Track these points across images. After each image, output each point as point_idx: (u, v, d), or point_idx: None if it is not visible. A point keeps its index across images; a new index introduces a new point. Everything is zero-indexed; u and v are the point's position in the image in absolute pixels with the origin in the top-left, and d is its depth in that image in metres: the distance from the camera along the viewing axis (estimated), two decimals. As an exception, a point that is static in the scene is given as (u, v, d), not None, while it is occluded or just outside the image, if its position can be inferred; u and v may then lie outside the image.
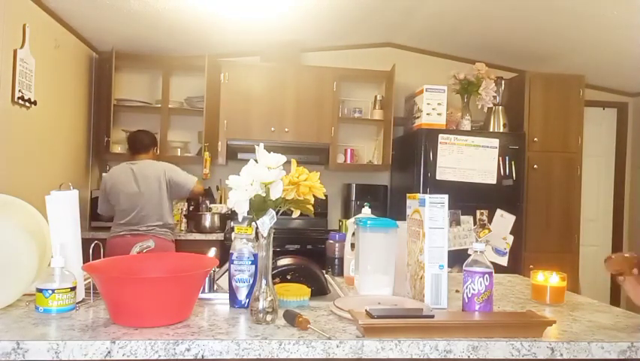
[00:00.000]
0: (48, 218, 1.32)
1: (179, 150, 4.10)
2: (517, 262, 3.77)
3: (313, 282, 1.55)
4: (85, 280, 1.43)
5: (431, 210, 1.43)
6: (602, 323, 1.33)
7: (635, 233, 4.71)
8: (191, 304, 1.24)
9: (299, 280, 1.54)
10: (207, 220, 3.76)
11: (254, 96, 3.95)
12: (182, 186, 3.20)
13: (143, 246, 1.58)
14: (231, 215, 3.88)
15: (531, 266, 3.52)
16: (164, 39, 3.86)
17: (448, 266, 1.45)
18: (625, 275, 1.39)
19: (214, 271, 1.55)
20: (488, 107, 3.94)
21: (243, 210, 1.22)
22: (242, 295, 1.34)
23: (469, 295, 1.32)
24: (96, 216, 3.75)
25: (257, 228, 1.23)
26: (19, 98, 2.80)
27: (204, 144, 3.94)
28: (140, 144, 3.31)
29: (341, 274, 1.92)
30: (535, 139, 3.93)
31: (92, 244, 1.47)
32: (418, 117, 3.84)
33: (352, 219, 1.78)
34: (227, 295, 1.38)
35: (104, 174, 3.35)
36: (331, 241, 1.98)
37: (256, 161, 1.23)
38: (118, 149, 3.97)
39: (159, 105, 4.04)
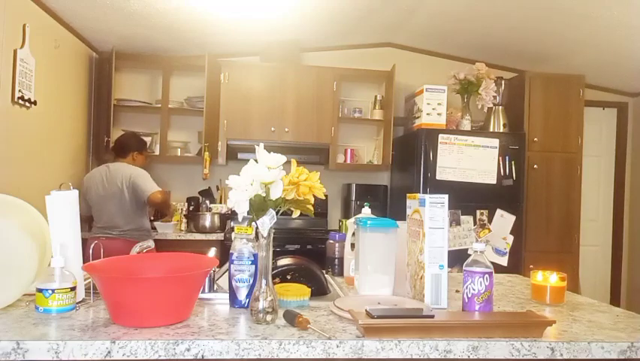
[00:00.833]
0: (48, 218, 1.32)
1: (179, 150, 4.10)
2: (517, 262, 3.76)
3: (313, 282, 1.55)
4: (85, 280, 1.43)
5: (431, 210, 1.43)
6: (602, 323, 1.33)
7: (635, 233, 4.71)
8: (191, 304, 1.24)
9: (299, 280, 1.54)
10: (207, 220, 3.76)
11: (254, 96, 3.95)
12: (142, 191, 3.10)
13: (143, 246, 1.58)
14: (231, 215, 3.88)
15: (531, 266, 3.53)
16: (164, 39, 3.86)
17: (448, 266, 1.45)
18: None
19: (214, 271, 1.55)
20: (488, 107, 3.94)
21: (242, 210, 1.22)
22: (242, 295, 1.34)
23: (469, 295, 1.32)
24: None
25: (257, 228, 1.23)
26: (19, 98, 2.80)
27: (204, 144, 3.94)
28: (120, 148, 3.28)
29: (341, 274, 1.92)
30: (535, 139, 3.93)
31: (92, 244, 1.47)
32: (418, 117, 3.84)
33: (352, 219, 1.78)
34: (227, 295, 1.38)
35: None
36: (331, 241, 1.98)
37: (256, 161, 1.23)
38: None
39: (159, 105, 4.04)
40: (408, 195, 1.57)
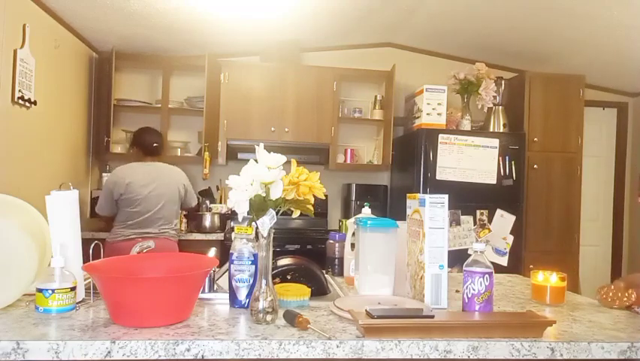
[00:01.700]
0: (48, 218, 1.32)
1: (179, 150, 4.10)
2: (517, 262, 3.77)
3: (313, 282, 1.55)
4: (85, 280, 1.43)
5: (431, 210, 1.43)
6: (602, 323, 1.33)
7: (635, 233, 4.71)
8: (191, 304, 1.24)
9: (299, 280, 1.54)
10: (207, 220, 3.76)
11: (254, 96, 3.95)
12: (192, 198, 3.35)
13: (143, 246, 1.58)
14: (231, 215, 3.88)
15: (531, 266, 3.53)
16: (164, 39, 3.86)
17: (448, 266, 1.45)
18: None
19: (214, 271, 1.55)
20: (488, 107, 3.94)
21: (242, 210, 1.22)
22: (242, 295, 1.34)
23: (469, 295, 1.32)
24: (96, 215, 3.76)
25: (257, 228, 1.23)
26: (19, 98, 2.80)
27: (204, 144, 3.94)
28: (157, 149, 3.21)
29: (341, 274, 1.92)
30: (535, 139, 3.93)
31: (92, 244, 1.47)
32: (418, 117, 3.84)
33: (352, 219, 1.78)
34: (227, 295, 1.38)
35: (115, 169, 3.13)
36: (331, 241, 1.98)
37: (256, 161, 1.23)
38: (118, 149, 3.97)
39: (159, 105, 4.04)
40: (408, 195, 1.57)
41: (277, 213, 1.23)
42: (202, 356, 1.05)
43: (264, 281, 1.22)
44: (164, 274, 1.31)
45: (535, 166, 3.92)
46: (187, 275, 1.22)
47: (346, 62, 4.25)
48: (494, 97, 3.87)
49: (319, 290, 1.56)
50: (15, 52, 2.76)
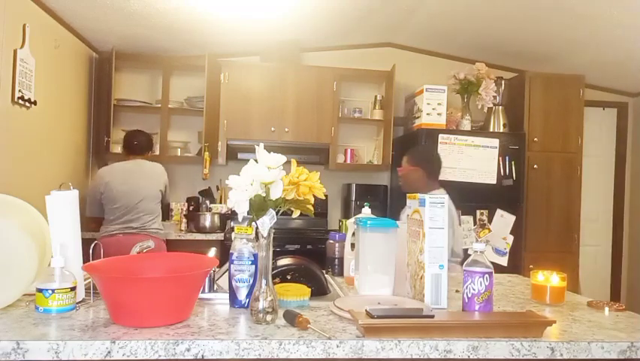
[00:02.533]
0: (48, 218, 1.32)
1: (179, 150, 4.10)
2: (517, 262, 3.77)
3: (313, 282, 1.55)
4: (85, 280, 1.43)
5: (431, 210, 1.43)
6: (601, 323, 1.33)
7: (635, 233, 4.71)
8: (191, 304, 1.24)
9: (299, 280, 1.54)
10: (207, 220, 3.76)
11: (254, 96, 3.95)
12: (169, 194, 3.43)
13: (143, 246, 1.58)
14: (231, 215, 3.88)
15: (531, 266, 3.52)
16: (164, 39, 3.86)
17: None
18: None
19: (214, 271, 1.55)
20: (488, 107, 3.94)
21: (242, 210, 1.22)
22: (242, 295, 1.34)
23: (469, 295, 1.32)
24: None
25: (257, 228, 1.23)
26: (19, 98, 2.80)
27: (204, 144, 3.94)
28: (138, 146, 3.33)
29: (341, 274, 1.92)
30: (535, 139, 3.93)
31: (92, 244, 1.47)
32: (418, 117, 3.84)
33: (352, 219, 1.78)
34: (227, 295, 1.38)
35: (99, 171, 3.33)
36: (331, 241, 1.98)
37: (256, 161, 1.23)
38: (118, 149, 3.96)
39: (159, 105, 4.04)
40: (408, 195, 1.57)
41: (277, 213, 1.23)
42: (202, 356, 1.05)
43: (264, 281, 1.22)
44: (164, 274, 1.31)
45: (535, 166, 3.92)
46: (187, 275, 1.22)
47: (346, 62, 4.25)
48: (494, 97, 3.87)
49: (319, 290, 1.56)
50: (15, 52, 2.76)
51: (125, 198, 3.13)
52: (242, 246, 1.35)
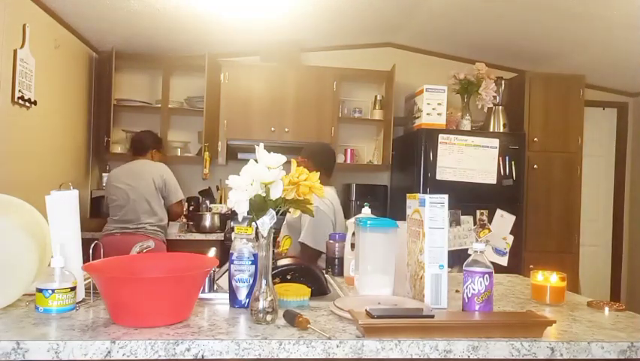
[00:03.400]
0: (48, 218, 1.32)
1: (179, 150, 4.10)
2: (517, 262, 3.76)
3: (313, 282, 1.55)
4: (85, 280, 1.43)
5: (431, 210, 1.43)
6: (602, 323, 1.33)
7: (635, 233, 4.71)
8: (191, 304, 1.24)
9: (299, 280, 1.54)
10: (207, 220, 3.76)
11: (254, 96, 3.95)
12: (171, 193, 3.29)
13: (143, 246, 1.58)
14: (231, 215, 3.87)
15: (531, 266, 3.52)
16: (164, 39, 3.86)
17: (448, 266, 1.44)
18: None
19: (214, 271, 1.55)
20: (488, 107, 3.94)
21: (242, 210, 1.22)
22: (242, 295, 1.34)
23: (469, 295, 1.32)
24: (96, 215, 3.78)
25: (257, 228, 1.23)
26: (19, 98, 2.80)
27: (204, 144, 3.94)
28: (139, 145, 3.36)
29: (341, 274, 1.92)
30: (535, 139, 3.93)
31: (92, 244, 1.47)
32: (418, 117, 3.84)
33: (352, 219, 1.78)
34: (227, 295, 1.38)
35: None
36: (331, 241, 1.98)
37: (256, 161, 1.23)
38: (118, 149, 3.97)
39: (159, 105, 4.04)
40: (408, 195, 1.57)
41: (277, 213, 1.23)
42: (202, 356, 1.05)
43: (264, 281, 1.22)
44: (164, 274, 1.31)
45: (535, 166, 3.92)
46: (187, 275, 1.22)
47: (346, 62, 4.25)
48: (494, 97, 3.87)
49: (319, 290, 1.56)
50: (15, 52, 2.76)
51: (120, 197, 3.17)
52: (242, 246, 1.35)
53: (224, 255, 1.46)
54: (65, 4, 3.16)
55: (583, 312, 1.46)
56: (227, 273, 1.38)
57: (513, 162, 3.78)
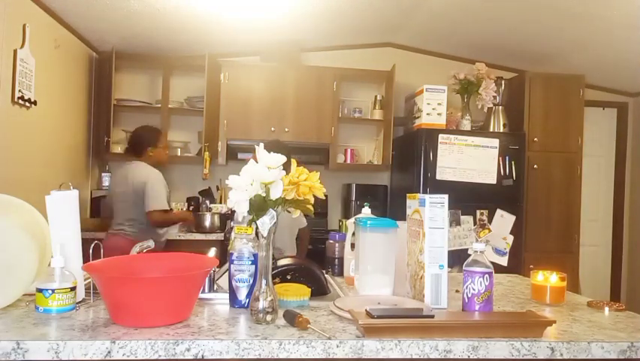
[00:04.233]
0: (48, 218, 1.32)
1: (179, 150, 4.10)
2: (517, 262, 3.76)
3: (313, 282, 1.55)
4: (85, 280, 1.43)
5: (431, 210, 1.43)
6: (602, 323, 1.33)
7: (635, 233, 4.71)
8: (191, 304, 1.24)
9: (299, 280, 1.54)
10: (207, 220, 3.75)
11: (254, 96, 3.95)
12: (149, 198, 2.96)
13: (143, 246, 1.58)
14: (231, 215, 3.86)
15: (531, 266, 3.52)
16: (164, 39, 3.86)
17: (448, 266, 1.44)
18: None
19: (214, 271, 1.55)
20: (488, 107, 3.94)
21: (243, 210, 1.22)
22: (242, 295, 1.34)
23: (469, 295, 1.32)
24: (96, 215, 3.78)
25: (257, 228, 1.23)
26: (19, 98, 2.80)
27: (204, 144, 3.94)
28: (133, 146, 3.13)
29: (341, 274, 1.92)
30: (535, 139, 3.93)
31: (92, 244, 1.47)
32: (418, 117, 3.84)
33: (352, 219, 1.77)
34: (227, 295, 1.38)
35: None
36: (331, 241, 1.98)
37: (256, 161, 1.23)
38: (118, 149, 3.96)
39: (159, 105, 4.04)
40: (408, 195, 1.57)
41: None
42: (202, 356, 1.05)
43: (264, 281, 1.22)
44: (164, 274, 1.31)
45: (535, 166, 3.92)
46: (187, 275, 1.22)
47: (346, 62, 4.25)
48: (494, 97, 3.87)
49: (319, 290, 1.56)
50: (15, 52, 2.76)
51: (110, 200, 3.19)
52: (242, 246, 1.35)
53: (224, 255, 1.46)
54: (65, 4, 3.16)
55: (583, 312, 1.46)
56: (227, 273, 1.38)
57: (513, 162, 3.78)
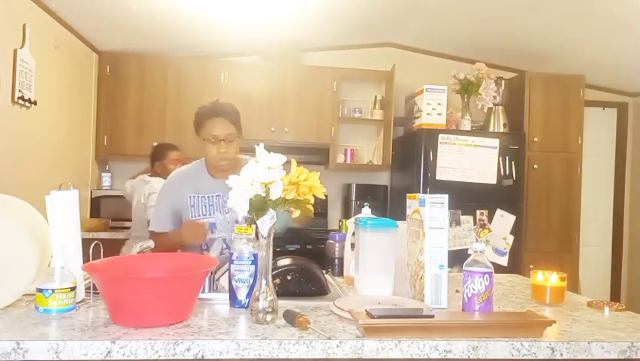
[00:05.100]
0: (48, 218, 1.32)
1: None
2: (517, 262, 3.76)
3: (313, 282, 1.55)
4: (85, 280, 1.43)
5: (431, 210, 1.43)
6: (601, 323, 1.33)
7: (635, 233, 4.71)
8: (191, 304, 1.24)
9: (299, 280, 1.54)
10: (207, 220, 3.75)
11: (254, 96, 3.95)
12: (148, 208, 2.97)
13: (143, 246, 1.58)
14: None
15: (531, 266, 3.52)
16: (164, 39, 3.86)
17: (448, 266, 1.44)
18: None
19: (214, 271, 1.55)
20: (488, 107, 3.94)
21: (243, 210, 1.22)
22: (242, 295, 1.34)
23: (469, 295, 1.32)
24: (96, 215, 3.77)
25: (257, 228, 1.23)
26: (19, 98, 2.80)
27: (204, 144, 3.93)
28: (151, 159, 3.22)
29: (341, 274, 1.92)
30: (535, 139, 3.93)
31: (92, 244, 1.47)
32: (418, 117, 3.84)
33: (352, 219, 1.77)
34: (227, 295, 1.38)
35: None
36: (331, 241, 1.98)
37: (256, 161, 1.23)
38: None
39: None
40: (408, 195, 1.56)
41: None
42: (202, 356, 1.05)
43: (264, 281, 1.22)
44: (164, 274, 1.31)
45: (535, 166, 3.92)
46: (187, 275, 1.22)
47: (346, 62, 4.25)
48: (494, 97, 3.87)
49: (319, 290, 1.56)
50: (15, 52, 2.76)
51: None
52: (242, 246, 1.35)
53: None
54: (65, 4, 3.16)
55: (583, 312, 1.46)
56: (227, 273, 1.38)
57: (513, 162, 3.78)
